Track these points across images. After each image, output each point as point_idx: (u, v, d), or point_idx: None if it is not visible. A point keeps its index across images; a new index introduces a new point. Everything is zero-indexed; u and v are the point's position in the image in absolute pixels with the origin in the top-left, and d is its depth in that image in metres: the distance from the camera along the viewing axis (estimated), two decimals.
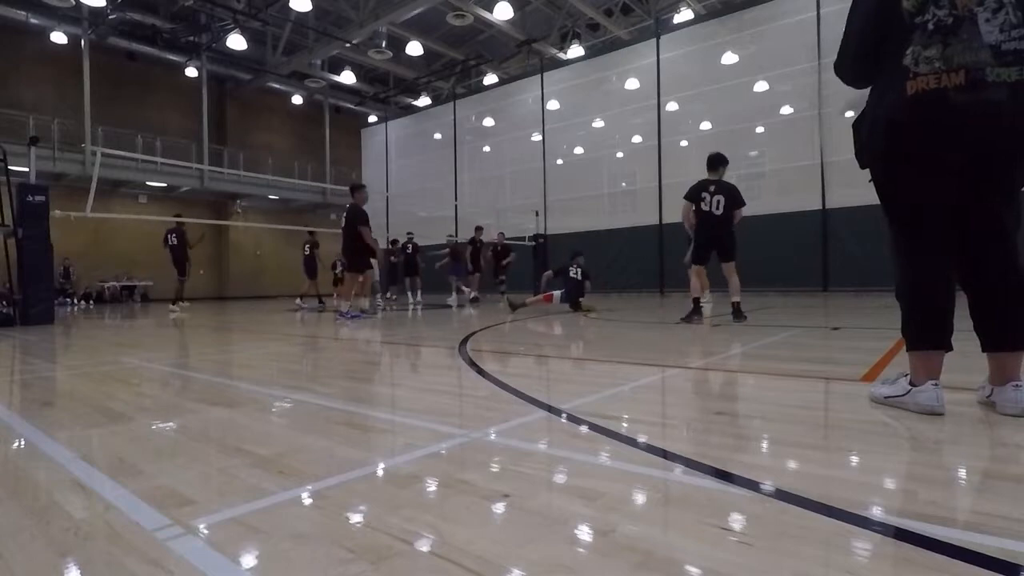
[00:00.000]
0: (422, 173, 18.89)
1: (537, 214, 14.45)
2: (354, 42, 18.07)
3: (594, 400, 1.99)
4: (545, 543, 0.89)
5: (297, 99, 24.77)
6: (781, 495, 1.07)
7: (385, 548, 0.89)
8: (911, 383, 1.73)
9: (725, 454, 1.34)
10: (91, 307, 15.52)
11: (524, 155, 15.63)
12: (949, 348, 1.70)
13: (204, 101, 21.75)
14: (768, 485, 1.12)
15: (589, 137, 15.08)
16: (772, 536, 0.90)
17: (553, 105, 15.43)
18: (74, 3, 15.73)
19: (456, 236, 13.06)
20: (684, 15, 15.81)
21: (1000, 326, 1.67)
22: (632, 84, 13.81)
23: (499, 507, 1.05)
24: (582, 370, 2.73)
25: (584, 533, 0.93)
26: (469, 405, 2.05)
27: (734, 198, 5.22)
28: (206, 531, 0.96)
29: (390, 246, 13.43)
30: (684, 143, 13.06)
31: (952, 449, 1.37)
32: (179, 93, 21.79)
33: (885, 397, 1.79)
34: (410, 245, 12.13)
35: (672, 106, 13.21)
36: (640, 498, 1.09)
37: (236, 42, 17.60)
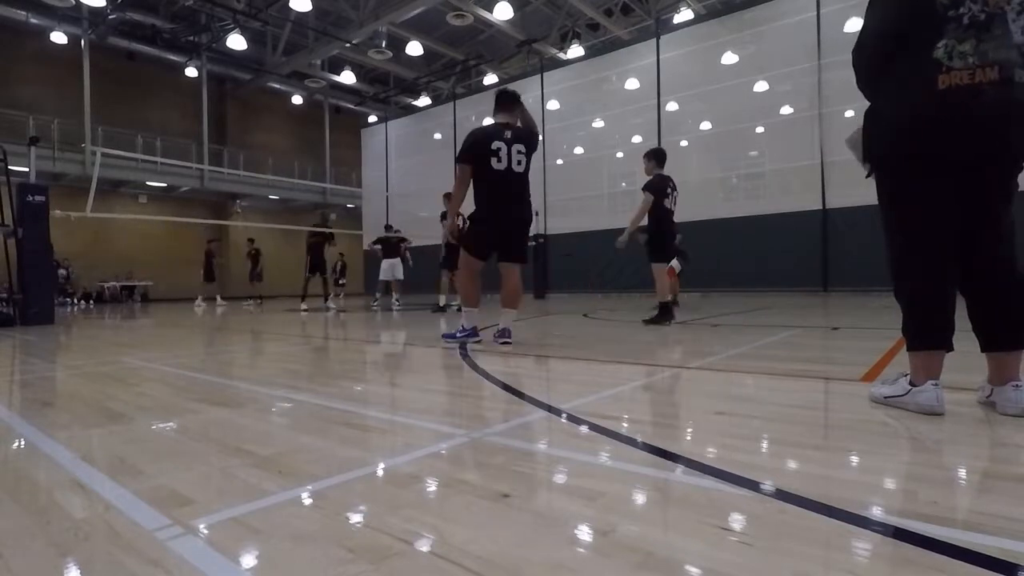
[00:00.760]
0: (422, 173, 18.86)
1: (537, 214, 14.42)
2: (354, 42, 18.08)
3: (594, 400, 1.99)
4: (545, 543, 0.89)
5: (297, 99, 24.79)
6: (781, 495, 1.07)
7: (385, 548, 0.89)
8: (911, 383, 1.73)
9: (725, 454, 1.34)
10: (91, 307, 15.53)
11: None
12: (950, 348, 1.70)
13: (204, 101, 21.77)
14: (768, 485, 1.12)
15: (589, 137, 15.07)
16: (772, 536, 0.90)
17: (553, 105, 15.43)
18: (74, 3, 15.73)
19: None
20: (684, 15, 15.82)
21: (999, 326, 1.67)
22: (632, 84, 13.81)
23: (499, 507, 1.05)
24: (582, 370, 2.73)
25: (584, 533, 0.93)
26: (469, 405, 2.05)
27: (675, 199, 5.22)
28: (206, 531, 0.96)
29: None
30: (684, 143, 13.06)
31: (952, 449, 1.37)
32: (179, 93, 21.81)
33: (885, 397, 1.79)
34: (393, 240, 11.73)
35: (672, 106, 13.20)
36: (640, 498, 1.09)
37: (236, 42, 17.61)
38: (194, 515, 1.03)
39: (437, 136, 18.59)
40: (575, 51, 17.24)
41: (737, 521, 0.96)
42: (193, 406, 2.04)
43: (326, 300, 10.81)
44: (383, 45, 18.91)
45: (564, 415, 1.76)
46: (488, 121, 3.99)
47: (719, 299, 9.39)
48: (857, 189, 10.72)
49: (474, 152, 3.73)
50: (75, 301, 16.94)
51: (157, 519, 1.01)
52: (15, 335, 5.50)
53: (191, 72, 21.09)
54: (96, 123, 18.61)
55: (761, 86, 11.92)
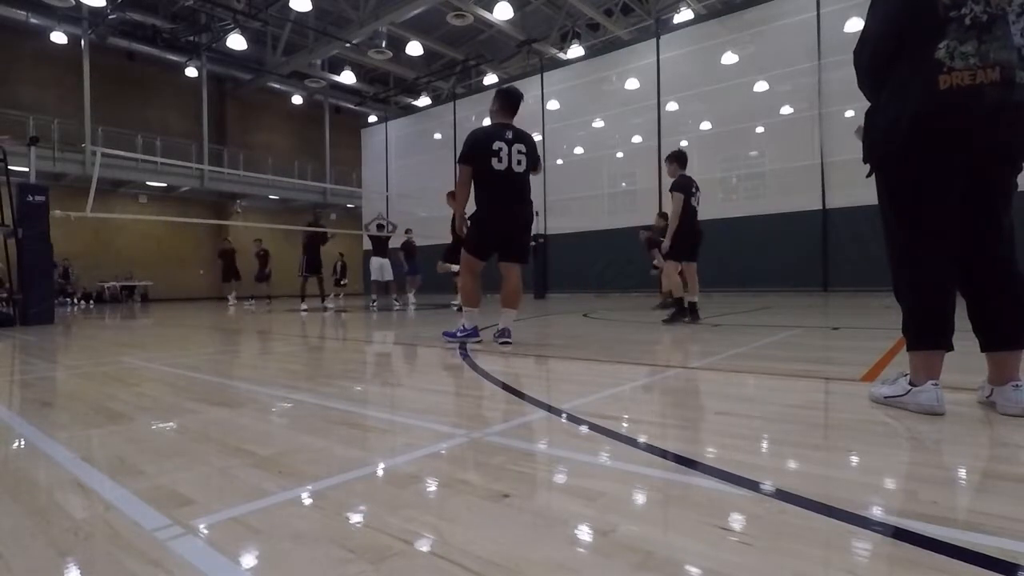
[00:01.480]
0: (422, 173, 18.87)
1: (537, 214, 14.43)
2: (354, 42, 18.08)
3: (594, 400, 1.99)
4: (545, 543, 0.89)
5: (297, 99, 24.79)
6: (781, 495, 1.07)
7: (385, 548, 0.89)
8: (911, 383, 1.73)
9: (725, 454, 1.34)
10: (91, 307, 15.53)
11: None
12: (950, 348, 1.71)
13: (204, 101, 21.78)
14: (768, 485, 1.12)
15: (589, 137, 15.07)
16: (772, 536, 0.90)
17: (553, 105, 15.43)
18: (74, 3, 15.73)
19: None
20: (684, 15, 15.81)
21: (998, 326, 1.68)
22: (632, 84, 13.81)
23: (499, 507, 1.05)
24: (582, 370, 2.73)
25: (584, 533, 0.93)
26: (469, 405, 2.05)
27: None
28: (206, 531, 0.96)
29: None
30: (684, 143, 13.04)
31: (952, 449, 1.37)
32: (179, 93, 21.82)
33: (885, 397, 1.79)
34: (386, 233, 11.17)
35: (672, 106, 13.21)
36: (640, 498, 1.09)
37: (236, 42, 17.61)
38: (194, 515, 1.03)
39: (437, 136, 18.60)
40: (575, 51, 17.23)
41: (737, 521, 0.96)
42: (193, 406, 2.04)
43: (323, 300, 10.79)
44: (383, 45, 18.92)
45: (564, 415, 1.76)
46: (487, 121, 3.99)
47: (719, 299, 9.39)
48: (857, 189, 10.74)
49: (475, 152, 3.72)
50: (75, 301, 16.93)
51: (157, 519, 1.01)
52: (15, 335, 5.50)
53: (191, 72, 21.09)
54: (96, 123, 18.61)
55: (761, 86, 11.92)
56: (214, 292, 22.18)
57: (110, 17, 17.92)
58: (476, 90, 18.76)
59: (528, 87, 15.91)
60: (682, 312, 5.10)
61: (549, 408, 1.87)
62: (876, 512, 0.98)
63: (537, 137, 15.44)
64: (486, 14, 16.43)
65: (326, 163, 25.67)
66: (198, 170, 20.67)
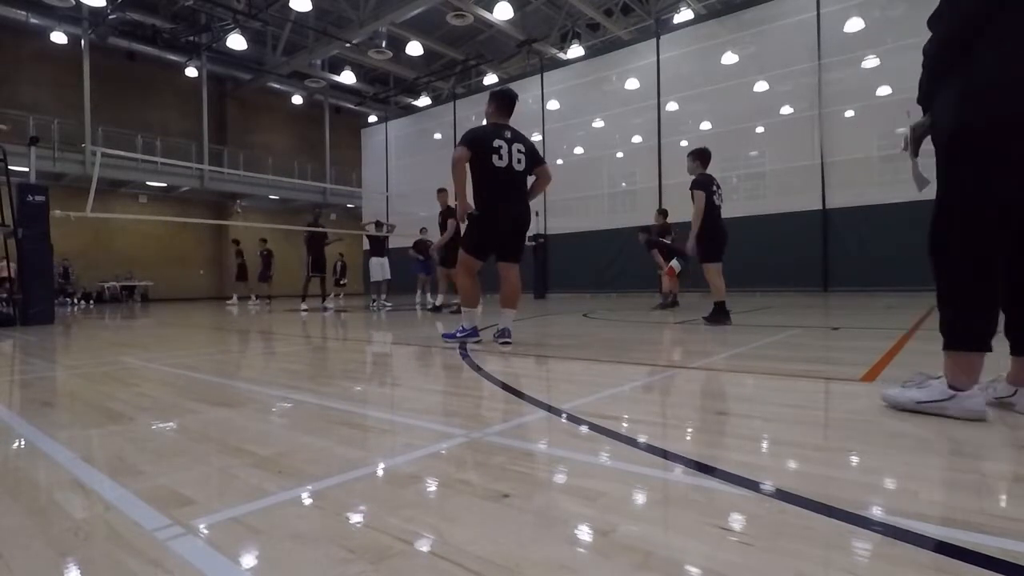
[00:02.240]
0: (422, 173, 18.86)
1: (537, 214, 14.44)
2: (354, 42, 18.09)
3: (594, 400, 1.99)
4: (545, 543, 0.89)
5: (297, 99, 24.80)
6: (781, 495, 1.07)
7: (385, 548, 0.89)
8: (952, 387, 1.60)
9: (725, 454, 1.34)
10: (91, 307, 15.53)
11: None
12: (991, 349, 1.60)
13: (204, 101, 21.78)
14: (768, 485, 1.12)
15: (589, 137, 15.08)
16: (772, 536, 0.90)
17: (553, 105, 15.44)
18: (74, 3, 15.74)
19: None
20: (684, 15, 15.82)
21: None
22: (632, 84, 13.82)
23: (499, 507, 1.05)
24: (582, 370, 2.73)
25: (584, 533, 0.93)
26: (469, 405, 2.05)
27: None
28: (206, 531, 0.96)
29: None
30: (684, 143, 13.04)
31: (952, 449, 1.37)
32: (179, 93, 21.82)
33: (918, 402, 1.66)
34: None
35: (672, 106, 13.21)
36: (640, 498, 1.09)
37: (236, 42, 17.61)
38: (194, 515, 1.03)
39: (437, 136, 18.60)
40: (575, 51, 17.24)
41: (737, 521, 0.96)
42: (193, 406, 2.04)
43: (323, 300, 10.78)
44: (383, 45, 18.92)
45: (564, 415, 1.76)
46: (484, 123, 3.97)
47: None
48: (857, 189, 10.76)
49: (476, 145, 3.66)
50: (75, 301, 16.93)
51: (157, 519, 1.01)
52: (15, 335, 5.50)
53: (191, 72, 21.10)
54: (96, 123, 18.61)
55: (761, 86, 11.92)
56: (214, 292, 22.23)
57: (110, 17, 17.93)
58: (476, 90, 18.76)
59: (528, 87, 15.91)
60: (725, 315, 4.90)
61: (549, 408, 1.87)
62: (876, 512, 0.98)
63: (537, 137, 15.45)
64: (486, 14, 16.43)
65: (326, 163, 25.67)
66: (198, 170, 20.68)
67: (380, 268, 10.04)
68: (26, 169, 7.24)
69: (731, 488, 1.11)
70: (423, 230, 10.96)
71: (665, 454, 1.35)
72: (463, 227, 3.98)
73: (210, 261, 23.04)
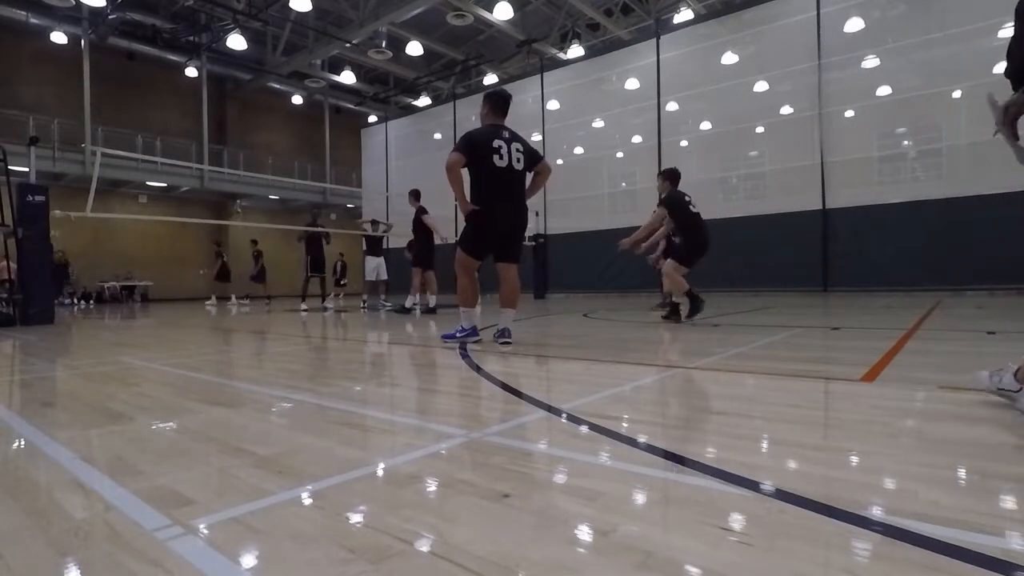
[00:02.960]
0: (422, 173, 18.85)
1: (537, 214, 14.45)
2: (354, 42, 18.09)
3: (594, 400, 1.99)
4: (545, 543, 0.89)
5: (297, 99, 24.80)
6: (781, 495, 1.07)
7: (385, 548, 0.89)
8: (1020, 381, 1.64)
9: (725, 454, 1.34)
10: (91, 307, 15.53)
11: None
12: None
13: (204, 101, 21.79)
14: (768, 485, 1.12)
15: (589, 137, 15.08)
16: (772, 536, 0.90)
17: (553, 105, 15.44)
18: (74, 3, 15.74)
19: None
20: (684, 15, 15.82)
21: None
22: (632, 84, 13.82)
23: (499, 507, 1.05)
24: (582, 370, 2.73)
25: (584, 533, 0.93)
26: (469, 405, 2.05)
27: None
28: (206, 531, 0.96)
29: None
30: (684, 143, 13.06)
31: (952, 449, 1.37)
32: (179, 93, 21.82)
33: (999, 388, 1.70)
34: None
35: (672, 106, 13.21)
36: (640, 498, 1.09)
37: (236, 42, 17.62)
38: (194, 515, 1.03)
39: (437, 136, 18.61)
40: (575, 51, 17.24)
41: (737, 521, 0.96)
42: (193, 406, 2.04)
43: (323, 300, 10.76)
44: (383, 45, 18.93)
45: (564, 415, 1.76)
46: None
47: (719, 299, 9.39)
48: (857, 189, 10.76)
49: (475, 148, 3.65)
50: (75, 301, 16.93)
51: (157, 519, 1.01)
52: (15, 335, 5.50)
53: (191, 72, 21.10)
54: (96, 123, 18.62)
55: (761, 86, 11.92)
56: (213, 292, 22.21)
57: (110, 17, 17.93)
58: (476, 90, 18.76)
59: (528, 87, 15.92)
60: (687, 310, 5.11)
61: (549, 408, 1.87)
62: (876, 512, 0.98)
63: (537, 137, 15.46)
64: (486, 14, 16.43)
65: (326, 163, 25.68)
66: (198, 170, 20.68)
67: (375, 268, 10.01)
68: (26, 169, 7.23)
69: (731, 488, 1.11)
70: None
71: (665, 454, 1.35)
72: (451, 228, 3.97)
73: (210, 261, 23.05)
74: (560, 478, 1.23)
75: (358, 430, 1.68)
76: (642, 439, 1.48)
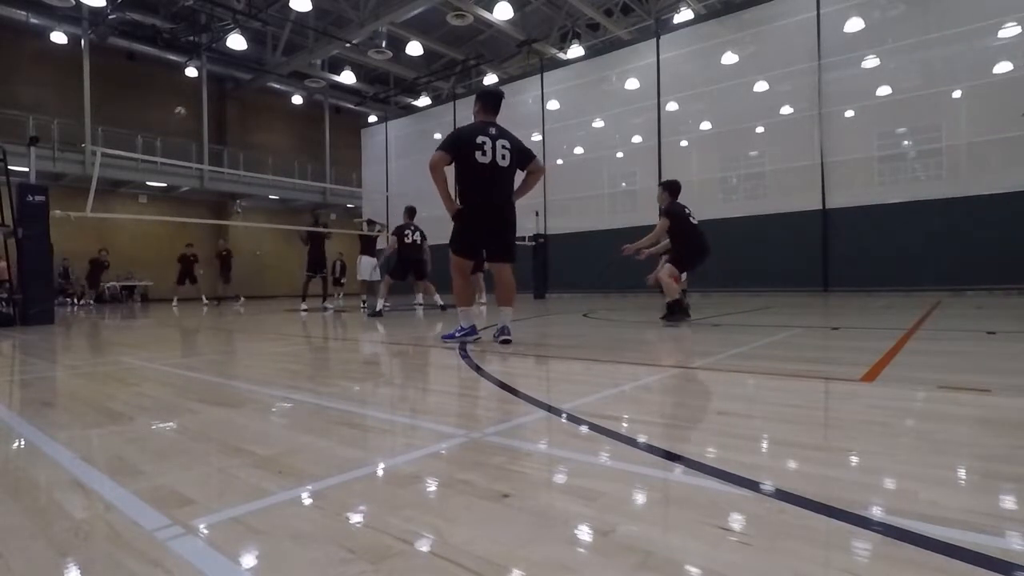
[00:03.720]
0: (422, 173, 18.83)
1: (537, 214, 14.46)
2: (354, 42, 18.08)
3: (594, 400, 1.99)
4: (545, 543, 0.89)
5: (297, 99, 24.79)
6: (781, 495, 1.07)
7: (385, 548, 0.89)
8: None
9: (725, 454, 1.34)
10: (91, 307, 15.52)
11: None
12: None
13: (204, 101, 21.78)
14: (768, 485, 1.12)
15: (589, 137, 15.08)
16: (772, 536, 0.90)
17: (553, 105, 15.44)
18: (74, 3, 15.73)
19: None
20: (684, 15, 15.81)
21: None
22: (632, 84, 13.82)
23: (499, 507, 1.05)
24: (582, 370, 2.73)
25: (584, 533, 0.93)
26: (469, 405, 2.05)
27: None
28: (206, 531, 0.96)
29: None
30: (684, 143, 13.06)
31: (952, 449, 1.37)
32: (179, 93, 21.78)
33: None
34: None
35: (672, 106, 13.21)
36: (640, 498, 1.09)
37: (236, 42, 17.61)
38: (194, 515, 1.03)
39: (437, 136, 18.60)
40: (575, 51, 17.23)
41: (737, 521, 0.96)
42: (193, 406, 2.04)
43: (323, 300, 10.75)
44: (383, 45, 18.92)
45: (564, 415, 1.76)
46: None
47: (719, 299, 9.39)
48: (857, 189, 10.76)
49: (458, 145, 3.61)
50: (75, 301, 16.93)
51: (157, 519, 1.01)
52: (15, 335, 5.50)
53: (191, 72, 21.09)
54: (96, 123, 18.61)
55: (761, 86, 11.92)
56: (214, 292, 22.18)
57: (110, 17, 17.92)
58: (476, 90, 18.74)
59: (528, 87, 15.92)
60: (684, 312, 5.20)
61: (549, 408, 1.87)
62: (876, 512, 0.98)
63: (536, 137, 15.45)
64: (486, 14, 16.43)
65: (326, 163, 25.67)
66: (198, 170, 20.67)
67: (369, 268, 10.00)
68: (26, 169, 7.23)
69: (731, 488, 1.11)
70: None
71: (665, 454, 1.35)
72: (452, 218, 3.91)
73: (210, 261, 23.04)
74: (560, 478, 1.23)
75: (358, 430, 1.67)
76: (642, 439, 1.48)
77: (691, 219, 5.33)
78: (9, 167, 7.19)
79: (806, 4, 11.13)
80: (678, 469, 1.25)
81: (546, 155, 15.29)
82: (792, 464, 1.27)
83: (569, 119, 15.15)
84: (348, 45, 18.30)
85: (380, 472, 1.28)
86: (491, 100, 3.81)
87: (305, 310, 9.42)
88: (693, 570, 0.80)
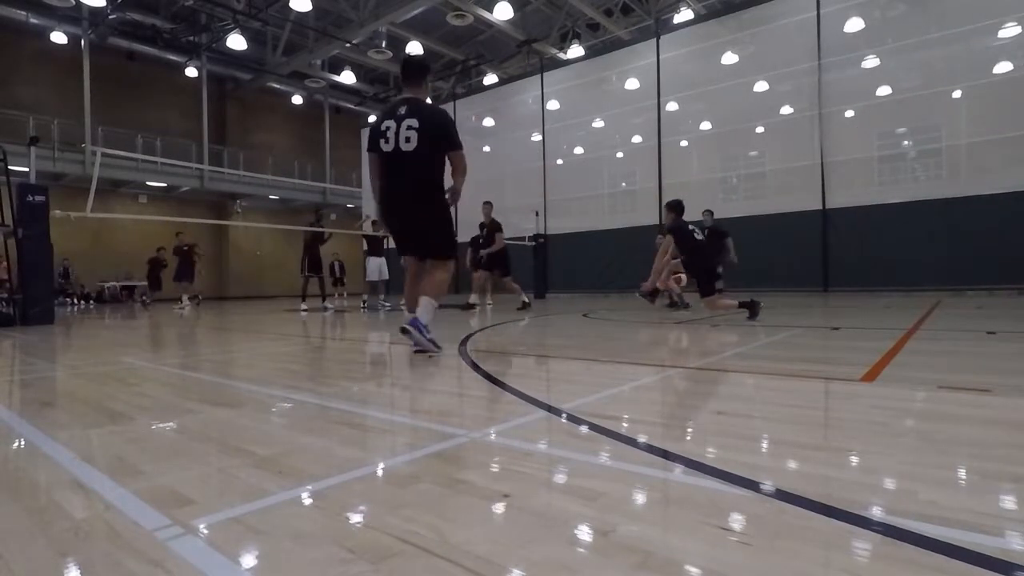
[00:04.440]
0: None
1: (537, 214, 14.46)
2: (354, 42, 18.09)
3: (594, 400, 1.99)
4: (545, 543, 0.89)
5: (297, 99, 24.81)
6: (781, 495, 1.07)
7: (385, 548, 0.89)
8: None
9: (725, 454, 1.34)
10: (91, 307, 15.53)
11: (524, 155, 15.64)
12: None
13: (204, 101, 21.79)
14: (768, 485, 1.12)
15: (589, 137, 15.08)
16: (772, 536, 0.90)
17: (553, 105, 15.43)
18: (74, 3, 15.73)
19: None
20: (684, 15, 15.83)
21: None
22: (632, 84, 13.81)
23: (499, 507, 1.05)
24: (582, 370, 2.73)
25: (584, 533, 0.93)
26: (469, 405, 2.05)
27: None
28: (206, 531, 0.96)
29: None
30: (684, 143, 13.06)
31: (952, 449, 1.37)
32: (179, 93, 21.81)
33: None
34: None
35: (672, 106, 13.21)
36: (640, 498, 1.09)
37: (236, 42, 17.62)
38: (194, 515, 1.03)
39: None
40: (575, 51, 17.24)
41: (737, 521, 0.96)
42: (193, 406, 2.04)
43: (323, 300, 10.76)
44: (383, 45, 18.93)
45: (564, 415, 1.76)
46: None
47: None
48: (857, 189, 10.76)
49: (370, 138, 3.26)
50: (75, 301, 16.93)
51: (157, 519, 1.01)
52: (15, 335, 5.50)
53: (191, 72, 21.10)
54: (96, 123, 18.62)
55: (761, 86, 11.93)
56: (214, 292, 22.19)
57: (110, 17, 17.93)
58: (476, 90, 18.75)
59: (528, 87, 15.92)
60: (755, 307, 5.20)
61: (549, 408, 1.87)
62: (876, 512, 0.98)
63: (536, 137, 15.44)
64: (486, 14, 16.43)
65: (326, 163, 25.68)
66: (198, 170, 20.69)
67: (377, 268, 10.00)
68: (26, 169, 7.23)
69: (731, 488, 1.11)
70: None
71: (665, 454, 1.35)
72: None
73: (210, 261, 23.03)
74: (560, 478, 1.23)
75: (358, 430, 1.67)
76: (642, 439, 1.48)
77: (695, 235, 5.45)
78: (9, 167, 7.19)
79: (806, 4, 11.13)
80: (678, 469, 1.25)
81: (546, 155, 15.30)
82: (792, 464, 1.27)
83: (569, 119, 15.15)
84: (348, 45, 18.31)
85: (380, 472, 1.28)
86: (406, 71, 3.33)
87: (305, 310, 9.42)
88: (693, 570, 0.80)
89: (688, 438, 1.52)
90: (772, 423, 1.62)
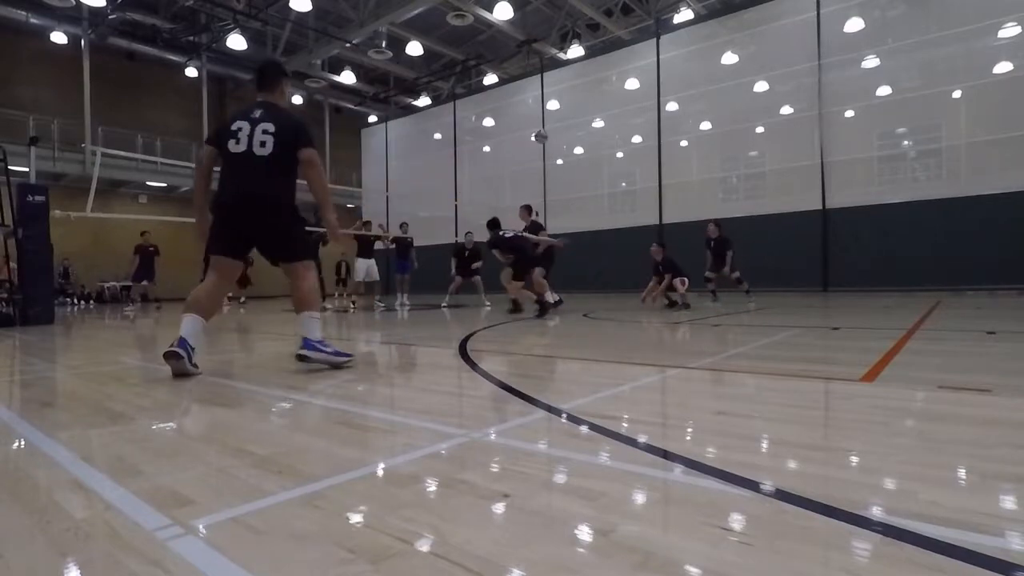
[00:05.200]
0: (422, 173, 18.88)
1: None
2: (354, 42, 18.08)
3: (594, 400, 1.99)
4: (545, 543, 0.89)
5: (297, 99, 24.77)
6: (781, 495, 1.07)
7: (385, 548, 0.89)
8: None
9: (725, 454, 1.34)
10: (91, 307, 15.52)
11: (524, 155, 15.64)
12: None
13: (204, 101, 21.78)
14: (768, 485, 1.12)
15: (589, 137, 15.07)
16: (772, 536, 0.90)
17: (553, 105, 15.43)
18: (74, 3, 15.73)
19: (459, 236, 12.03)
20: (684, 15, 15.82)
21: None
22: (632, 84, 13.81)
23: (499, 507, 1.05)
24: (582, 370, 2.73)
25: (584, 533, 0.93)
26: (469, 405, 2.05)
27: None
28: (206, 531, 0.96)
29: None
30: (684, 143, 13.06)
31: (952, 449, 1.37)
32: (179, 93, 21.81)
33: None
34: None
35: (672, 106, 13.21)
36: (640, 498, 1.09)
37: (236, 42, 17.61)
38: (194, 515, 1.03)
39: (437, 136, 18.60)
40: (575, 51, 17.23)
41: (737, 521, 0.96)
42: (193, 406, 2.04)
43: (323, 300, 10.77)
44: (383, 45, 18.91)
45: (564, 415, 1.76)
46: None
47: (719, 299, 9.37)
48: (857, 189, 10.76)
49: (217, 134, 3.10)
50: (75, 301, 16.93)
51: (157, 519, 1.01)
52: (15, 335, 5.50)
53: (191, 72, 21.09)
54: (96, 123, 18.61)
55: (761, 86, 11.93)
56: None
57: (110, 17, 17.92)
58: (476, 90, 18.76)
59: (528, 87, 15.91)
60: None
61: (549, 408, 1.87)
62: (876, 512, 0.98)
63: None
64: (486, 14, 16.42)
65: (326, 163, 25.67)
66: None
67: (365, 269, 10.04)
68: (26, 169, 7.25)
69: (731, 488, 1.11)
70: (403, 225, 10.87)
71: (665, 454, 1.35)
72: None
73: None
74: (560, 478, 1.23)
75: (358, 430, 1.67)
76: (642, 439, 1.48)
77: (507, 237, 6.52)
78: (9, 167, 7.19)
79: (806, 4, 11.13)
80: (678, 469, 1.25)
81: (546, 155, 15.29)
82: (792, 464, 1.27)
83: (569, 119, 15.15)
84: (348, 45, 18.30)
85: (380, 472, 1.28)
86: (262, 76, 3.22)
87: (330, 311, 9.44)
88: (693, 570, 0.80)
89: (688, 438, 1.52)
90: (772, 423, 1.62)
